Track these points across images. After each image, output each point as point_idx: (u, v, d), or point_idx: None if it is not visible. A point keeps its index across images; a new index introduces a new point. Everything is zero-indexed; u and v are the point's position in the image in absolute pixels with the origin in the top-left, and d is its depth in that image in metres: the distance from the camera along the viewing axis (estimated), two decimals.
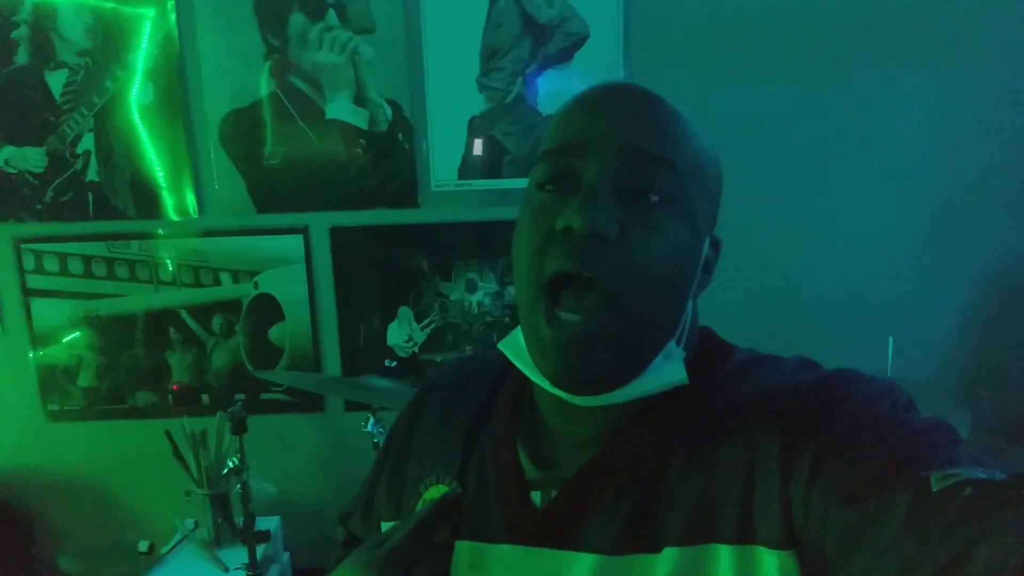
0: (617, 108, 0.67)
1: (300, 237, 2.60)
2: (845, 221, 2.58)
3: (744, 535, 0.60)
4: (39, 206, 2.58)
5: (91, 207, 2.57)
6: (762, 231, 2.57)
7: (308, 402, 2.71)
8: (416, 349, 2.66)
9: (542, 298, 0.64)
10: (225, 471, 1.85)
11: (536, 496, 0.70)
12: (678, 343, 0.68)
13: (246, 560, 2.23)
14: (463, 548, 0.71)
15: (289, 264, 2.62)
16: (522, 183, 2.36)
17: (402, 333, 2.65)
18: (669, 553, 0.62)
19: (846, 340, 2.62)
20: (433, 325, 2.64)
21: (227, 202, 2.58)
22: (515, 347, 0.71)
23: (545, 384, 0.67)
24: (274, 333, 2.68)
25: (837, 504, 0.55)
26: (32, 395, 2.75)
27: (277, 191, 2.57)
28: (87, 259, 2.64)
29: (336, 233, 2.60)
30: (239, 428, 1.84)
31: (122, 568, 2.76)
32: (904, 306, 2.63)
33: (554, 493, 0.69)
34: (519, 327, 0.72)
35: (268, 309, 2.66)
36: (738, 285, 2.60)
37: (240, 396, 2.73)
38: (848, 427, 0.58)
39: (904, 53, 2.47)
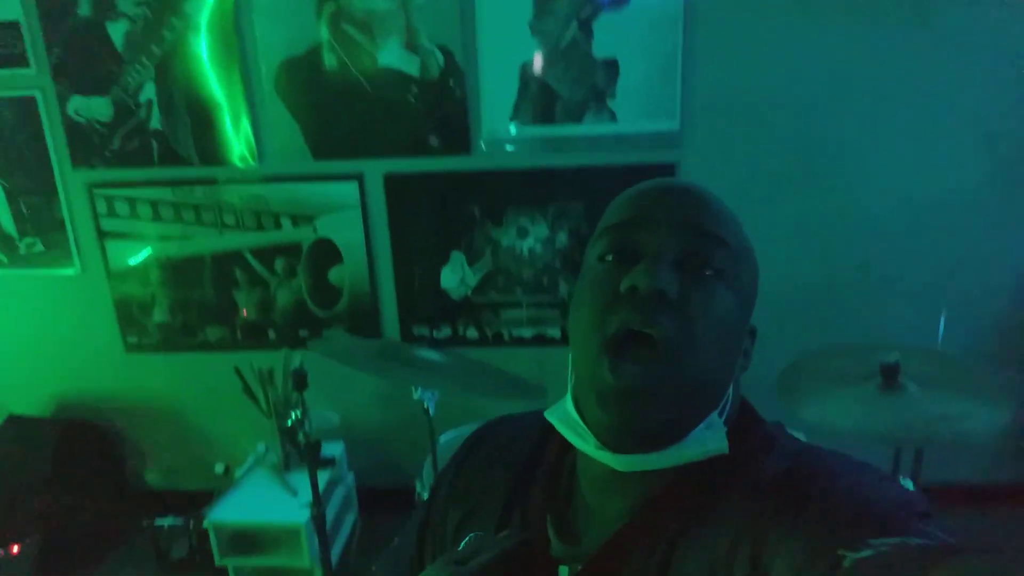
0: (675, 192, 0.73)
1: (355, 184, 2.66)
2: (912, 163, 2.51)
3: None
4: (108, 153, 2.68)
5: (156, 154, 2.67)
6: (826, 169, 2.54)
7: (368, 337, 2.85)
8: (469, 292, 2.74)
9: (605, 352, 0.67)
10: (290, 423, 1.99)
11: (564, 571, 0.75)
12: (720, 415, 0.72)
13: None
14: None
15: (346, 210, 2.69)
16: (574, 129, 2.39)
17: (455, 277, 2.72)
18: None
19: (900, 286, 2.62)
20: (485, 270, 2.70)
21: (283, 149, 2.64)
22: (562, 415, 0.75)
23: (591, 449, 0.70)
24: (333, 275, 2.79)
25: None
26: (113, 329, 2.94)
27: (332, 138, 2.61)
28: (155, 204, 2.75)
29: (390, 180, 2.65)
30: (300, 385, 1.96)
31: (202, 483, 2.99)
32: (963, 256, 2.59)
33: (579, 568, 0.73)
34: (565, 398, 0.76)
35: (327, 252, 2.75)
36: (800, 228, 2.60)
37: (304, 332, 2.88)
38: (802, 517, 0.62)
39: None
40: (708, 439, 0.70)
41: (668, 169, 2.54)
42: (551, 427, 0.82)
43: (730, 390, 0.74)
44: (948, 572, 0.46)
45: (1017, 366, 2.62)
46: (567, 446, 0.80)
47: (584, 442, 0.71)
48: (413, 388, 1.81)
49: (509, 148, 2.57)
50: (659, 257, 0.68)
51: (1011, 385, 1.56)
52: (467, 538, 0.80)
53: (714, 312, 0.68)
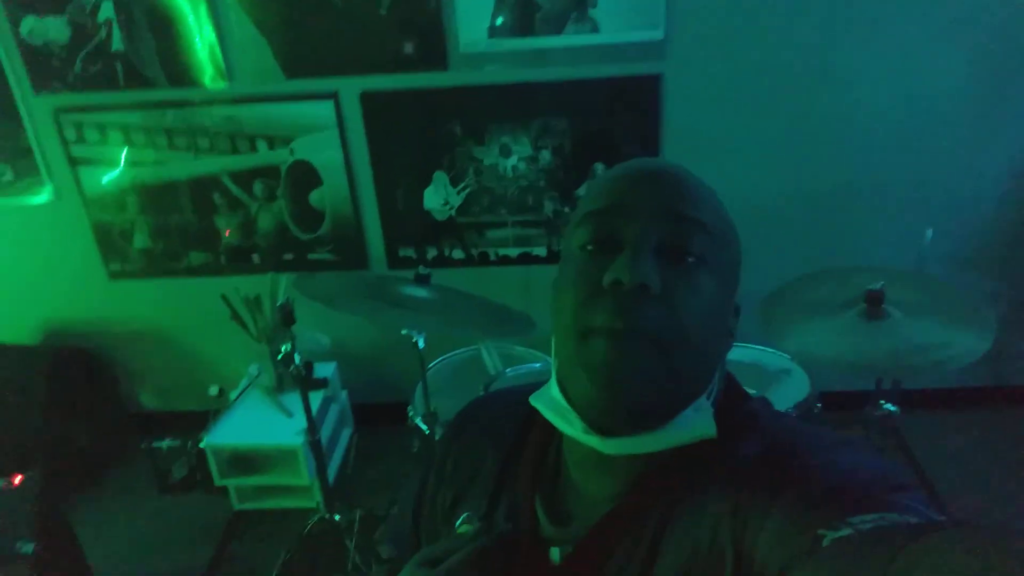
0: (656, 177, 0.71)
1: (331, 103, 2.57)
2: (897, 74, 2.45)
3: None
4: (70, 77, 2.57)
5: (121, 77, 2.56)
6: (811, 82, 2.46)
7: (353, 260, 2.83)
8: (453, 212, 2.70)
9: (591, 333, 0.66)
10: (281, 356, 2.00)
11: (555, 552, 0.75)
12: (708, 397, 0.73)
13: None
14: None
15: (323, 130, 2.61)
16: (555, 41, 2.29)
17: (438, 197, 2.68)
18: None
19: (884, 201, 2.60)
20: (468, 189, 2.66)
21: (254, 68, 2.53)
22: (547, 401, 0.74)
23: (578, 434, 0.70)
24: (314, 198, 2.74)
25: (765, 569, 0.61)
26: (94, 257, 2.91)
27: (303, 55, 2.50)
28: (125, 128, 2.66)
29: (367, 98, 2.55)
30: (288, 320, 1.95)
31: (196, 405, 3.04)
32: (947, 167, 2.56)
33: (571, 549, 0.73)
34: (549, 383, 0.76)
35: (306, 175, 2.69)
36: (785, 144, 2.56)
37: (288, 255, 2.86)
38: (781, 498, 0.63)
39: None
40: (696, 422, 0.70)
41: (652, 81, 2.45)
42: (535, 411, 0.83)
43: (716, 371, 0.74)
44: (927, 548, 0.47)
45: (995, 275, 2.65)
46: (553, 427, 0.80)
47: (571, 427, 0.71)
48: (402, 329, 1.81)
49: (487, 64, 2.47)
50: (640, 247, 0.66)
51: (994, 298, 1.56)
52: (462, 516, 0.82)
53: (699, 301, 0.67)
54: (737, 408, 0.75)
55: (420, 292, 1.82)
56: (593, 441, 0.69)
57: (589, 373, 0.67)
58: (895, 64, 2.43)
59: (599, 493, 0.75)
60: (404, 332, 1.83)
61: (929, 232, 1.80)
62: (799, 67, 2.44)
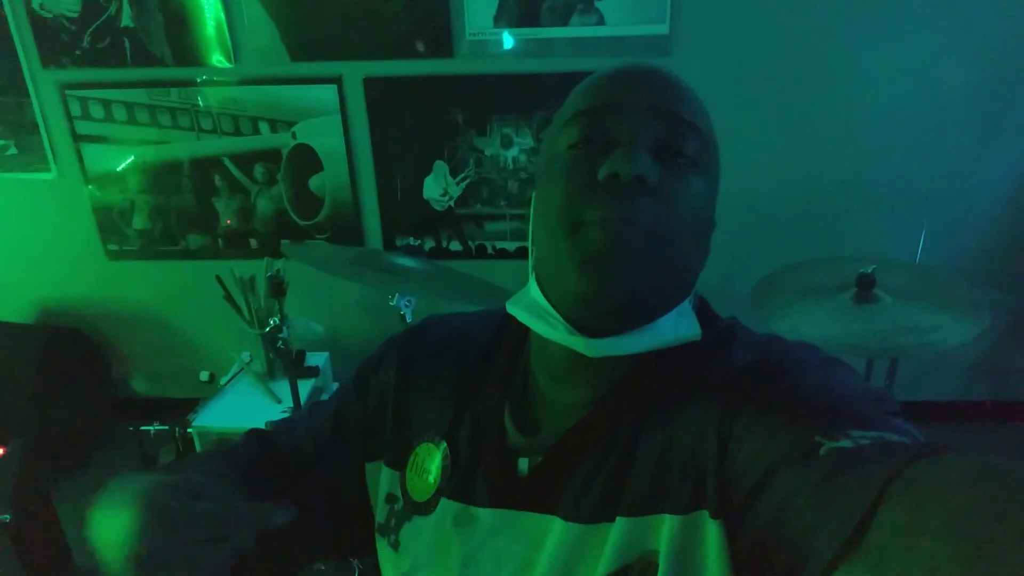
0: (646, 77, 0.69)
1: (334, 87, 2.57)
2: (901, 74, 2.44)
3: (691, 506, 0.64)
4: (78, 52, 2.59)
5: (128, 54, 2.57)
6: (814, 79, 2.46)
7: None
8: (452, 203, 2.69)
9: (583, 225, 0.64)
10: (268, 329, 1.98)
11: (523, 463, 0.72)
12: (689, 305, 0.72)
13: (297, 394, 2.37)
14: (450, 508, 0.74)
15: (325, 115, 2.62)
16: (560, 32, 2.28)
17: (438, 187, 2.67)
18: (619, 523, 0.65)
19: (883, 201, 2.59)
20: (468, 180, 2.65)
21: (260, 50, 2.54)
22: (525, 305, 0.72)
23: (561, 336, 0.67)
24: (314, 183, 2.73)
25: (751, 475, 0.59)
26: (92, 236, 2.91)
27: (310, 38, 2.52)
28: (130, 106, 2.67)
29: (370, 83, 2.56)
30: (277, 291, 1.93)
31: (187, 391, 3.02)
32: (947, 171, 2.54)
33: (539, 459, 0.71)
34: (526, 288, 0.74)
35: (307, 159, 2.69)
36: (786, 140, 2.55)
37: (286, 242, 2.85)
38: (776, 403, 0.61)
39: None
40: (680, 325, 0.69)
41: None
42: (502, 325, 0.81)
43: (695, 282, 0.73)
44: (929, 471, 0.45)
45: (995, 284, 2.61)
46: (521, 341, 0.79)
47: (554, 330, 0.68)
48: (390, 296, 1.79)
49: (493, 51, 2.48)
50: (636, 143, 0.65)
51: (987, 300, 1.54)
52: (423, 439, 0.79)
53: (690, 199, 0.66)
54: (712, 323, 0.74)
55: (411, 263, 1.81)
56: (577, 343, 0.67)
57: (580, 263, 0.64)
58: (900, 65, 2.42)
59: (573, 401, 0.72)
60: (393, 302, 1.81)
61: (923, 231, 1.78)
62: (803, 66, 2.44)
